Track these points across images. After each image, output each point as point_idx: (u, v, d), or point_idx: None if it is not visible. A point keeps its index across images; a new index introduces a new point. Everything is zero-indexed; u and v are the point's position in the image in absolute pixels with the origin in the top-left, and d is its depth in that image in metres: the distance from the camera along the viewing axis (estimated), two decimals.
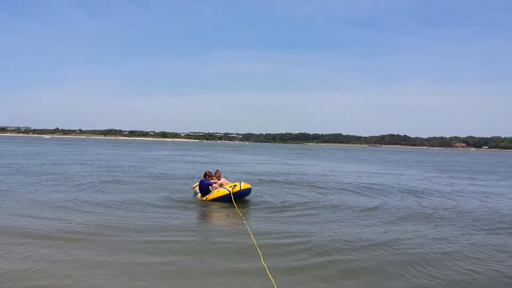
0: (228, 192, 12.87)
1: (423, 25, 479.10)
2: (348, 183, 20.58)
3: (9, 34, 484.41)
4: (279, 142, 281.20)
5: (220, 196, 13.00)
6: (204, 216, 11.81)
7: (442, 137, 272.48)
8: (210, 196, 13.28)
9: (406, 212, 12.56)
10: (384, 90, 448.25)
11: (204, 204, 13.08)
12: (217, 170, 15.42)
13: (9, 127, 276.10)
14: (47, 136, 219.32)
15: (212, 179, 14.39)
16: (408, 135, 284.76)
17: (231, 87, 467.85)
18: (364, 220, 11.08)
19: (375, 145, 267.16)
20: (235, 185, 13.23)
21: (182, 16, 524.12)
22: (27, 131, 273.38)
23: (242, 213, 11.29)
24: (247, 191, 13.48)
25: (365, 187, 19.22)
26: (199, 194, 13.93)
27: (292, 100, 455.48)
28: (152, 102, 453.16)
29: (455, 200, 15.77)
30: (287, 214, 11.55)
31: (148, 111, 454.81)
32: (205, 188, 13.61)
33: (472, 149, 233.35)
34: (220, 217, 11.48)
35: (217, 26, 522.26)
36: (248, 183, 14.37)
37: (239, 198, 13.16)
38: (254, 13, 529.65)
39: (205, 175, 14.12)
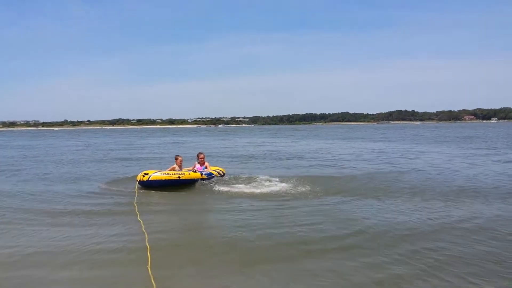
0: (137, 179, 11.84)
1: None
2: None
3: (11, 29, 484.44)
4: (286, 124, 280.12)
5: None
6: None
7: (450, 111, 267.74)
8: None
9: None
10: (389, 66, 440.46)
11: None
12: (200, 153, 13.95)
13: (18, 121, 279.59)
14: (56, 128, 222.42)
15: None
16: (415, 110, 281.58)
17: (234, 71, 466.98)
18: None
19: (383, 122, 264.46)
20: (146, 173, 11.76)
21: (181, 4, 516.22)
22: (36, 124, 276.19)
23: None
24: (152, 183, 11.62)
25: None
26: None
27: (297, 81, 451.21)
28: (157, 91, 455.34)
29: None
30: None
31: (154, 99, 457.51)
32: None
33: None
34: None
35: (212, 13, 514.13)
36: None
37: (159, 186, 11.76)
38: None
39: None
